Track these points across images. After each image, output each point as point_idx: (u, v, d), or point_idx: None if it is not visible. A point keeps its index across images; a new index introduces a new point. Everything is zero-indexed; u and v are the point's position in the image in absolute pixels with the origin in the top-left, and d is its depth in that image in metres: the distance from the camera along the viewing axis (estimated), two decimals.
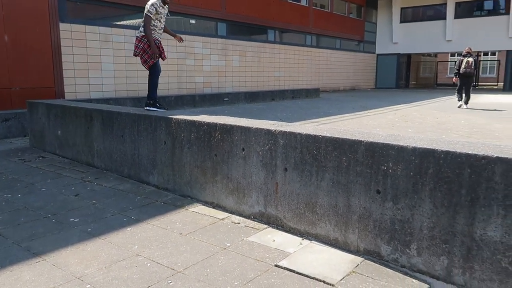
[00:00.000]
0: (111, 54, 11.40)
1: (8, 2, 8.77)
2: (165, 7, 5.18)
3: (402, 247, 2.67)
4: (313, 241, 3.14)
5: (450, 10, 23.94)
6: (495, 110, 12.96)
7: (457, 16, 24.00)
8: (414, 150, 2.55)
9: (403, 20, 25.97)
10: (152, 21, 5.08)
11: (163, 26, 5.30)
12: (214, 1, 14.63)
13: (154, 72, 5.28)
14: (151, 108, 5.21)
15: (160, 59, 5.32)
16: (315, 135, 3.08)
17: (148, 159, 4.77)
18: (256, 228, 3.43)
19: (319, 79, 21.24)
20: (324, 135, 3.03)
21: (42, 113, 6.88)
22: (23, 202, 4.20)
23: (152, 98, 5.30)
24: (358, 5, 24.84)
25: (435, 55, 32.42)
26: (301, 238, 3.20)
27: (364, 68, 25.82)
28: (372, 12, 26.37)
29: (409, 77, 28.58)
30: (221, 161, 3.86)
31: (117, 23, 11.77)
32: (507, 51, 23.35)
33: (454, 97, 14.25)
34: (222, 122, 3.83)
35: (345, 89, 24.04)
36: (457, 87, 13.08)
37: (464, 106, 13.13)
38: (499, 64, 35.13)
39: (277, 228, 3.41)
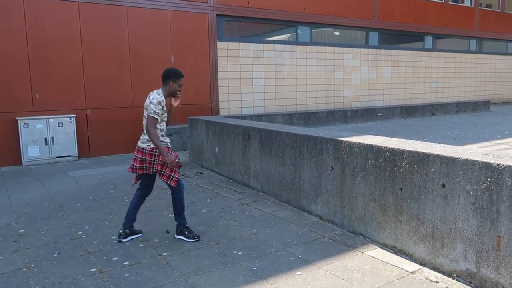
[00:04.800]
0: (261, 70, 11.50)
1: (175, 25, 9.47)
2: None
3: None
4: None
5: None
6: None
7: None
8: None
9: None
10: (158, 124, 3.55)
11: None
12: (366, 10, 13.77)
13: (180, 189, 3.68)
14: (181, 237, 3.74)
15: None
16: None
17: (310, 185, 4.26)
18: None
19: (485, 90, 18.37)
20: None
21: (201, 129, 7.04)
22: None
23: (181, 223, 3.76)
24: None
25: None
26: None
27: None
28: None
29: None
30: (409, 198, 3.09)
31: (268, 39, 11.88)
32: None
33: None
34: (411, 149, 3.07)
35: None
36: None
37: None
38: None
39: None
